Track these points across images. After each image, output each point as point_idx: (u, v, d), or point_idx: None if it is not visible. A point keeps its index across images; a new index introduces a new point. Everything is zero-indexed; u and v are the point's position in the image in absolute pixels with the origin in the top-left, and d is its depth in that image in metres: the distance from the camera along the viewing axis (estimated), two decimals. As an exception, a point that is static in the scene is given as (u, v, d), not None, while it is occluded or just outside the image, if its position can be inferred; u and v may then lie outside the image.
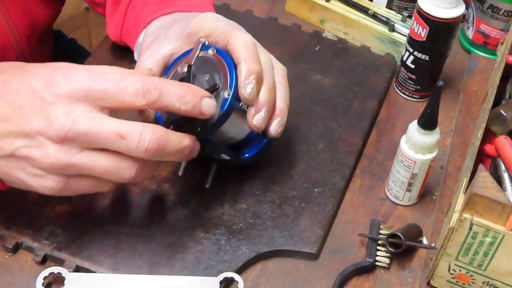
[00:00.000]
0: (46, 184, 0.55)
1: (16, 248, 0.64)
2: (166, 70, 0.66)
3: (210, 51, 0.63)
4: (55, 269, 0.61)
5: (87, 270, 0.63)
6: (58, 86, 0.53)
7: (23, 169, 0.55)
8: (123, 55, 0.86)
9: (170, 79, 0.64)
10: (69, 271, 0.62)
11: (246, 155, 0.68)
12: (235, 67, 0.62)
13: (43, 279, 0.61)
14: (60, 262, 0.63)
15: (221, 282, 0.62)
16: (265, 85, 0.63)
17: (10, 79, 0.55)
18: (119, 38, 0.80)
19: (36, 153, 0.54)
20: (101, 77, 0.54)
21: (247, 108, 0.63)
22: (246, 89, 0.61)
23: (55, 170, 0.54)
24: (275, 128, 0.65)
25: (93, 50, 0.88)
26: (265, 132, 0.65)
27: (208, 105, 0.58)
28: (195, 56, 0.63)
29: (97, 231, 0.65)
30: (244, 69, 0.61)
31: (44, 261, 0.64)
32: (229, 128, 0.63)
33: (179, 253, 0.64)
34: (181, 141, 0.57)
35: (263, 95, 0.63)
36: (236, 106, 0.62)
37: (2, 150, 0.54)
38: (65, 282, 0.61)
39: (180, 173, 0.65)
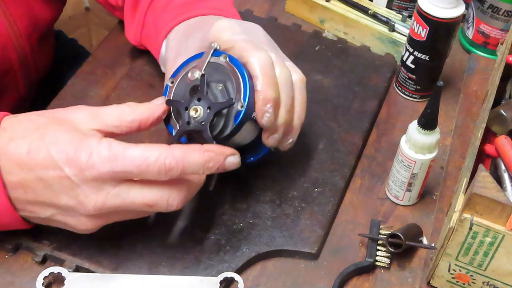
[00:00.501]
0: (87, 230, 0.59)
1: (16, 248, 0.64)
2: (174, 72, 0.64)
3: (222, 58, 0.61)
4: (55, 269, 0.61)
5: (87, 270, 0.63)
6: (83, 171, 0.54)
7: (58, 224, 0.60)
8: (123, 55, 0.86)
9: (178, 83, 0.62)
10: (69, 271, 0.62)
11: (252, 159, 0.67)
12: (249, 77, 0.61)
13: (43, 279, 0.61)
14: (60, 262, 0.63)
15: (221, 282, 0.62)
16: (283, 107, 0.62)
17: (37, 149, 0.55)
18: (139, 42, 0.81)
19: (70, 221, 0.58)
20: (123, 155, 0.54)
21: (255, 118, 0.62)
22: (263, 117, 0.61)
23: (91, 228, 0.59)
24: (287, 146, 0.66)
25: (93, 50, 0.88)
26: None
27: (231, 163, 0.59)
28: (206, 63, 0.61)
29: (97, 231, 0.65)
30: (261, 97, 0.60)
31: (44, 261, 0.64)
32: (238, 136, 0.62)
33: (179, 253, 0.64)
34: (201, 181, 0.59)
35: (281, 118, 0.62)
36: (248, 118, 0.61)
37: (35, 213, 0.58)
38: (65, 282, 0.61)
39: (211, 188, 0.62)
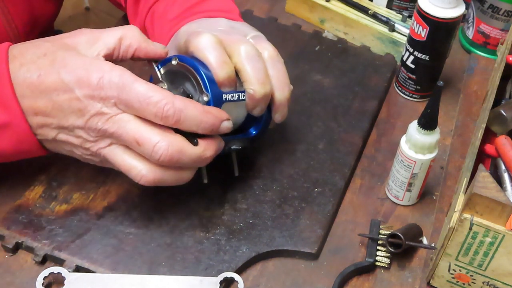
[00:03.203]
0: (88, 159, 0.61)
1: (16, 248, 0.64)
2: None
3: (174, 61, 0.62)
4: (55, 269, 0.61)
5: (87, 270, 0.63)
6: (92, 89, 0.56)
7: (66, 147, 0.61)
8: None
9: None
10: (69, 271, 0.62)
11: (254, 132, 0.68)
12: (205, 66, 0.61)
13: (43, 279, 0.61)
14: (60, 262, 0.63)
15: (221, 282, 0.62)
16: (254, 81, 0.62)
17: (47, 74, 0.57)
18: None
19: (74, 140, 0.59)
20: (130, 86, 0.56)
21: (234, 97, 0.62)
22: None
23: (92, 153, 0.60)
24: (278, 119, 0.67)
25: (93, 50, 0.88)
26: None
27: (225, 128, 0.60)
28: (160, 77, 0.62)
29: (97, 231, 0.65)
30: (216, 77, 0.61)
31: (44, 261, 0.64)
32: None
33: (179, 253, 0.64)
34: (200, 153, 0.59)
35: (256, 92, 0.63)
36: (221, 103, 0.61)
37: (44, 135, 0.60)
38: (65, 282, 0.61)
39: (205, 181, 0.65)
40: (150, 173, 0.58)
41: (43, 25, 0.83)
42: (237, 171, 0.69)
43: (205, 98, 0.60)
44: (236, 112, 0.64)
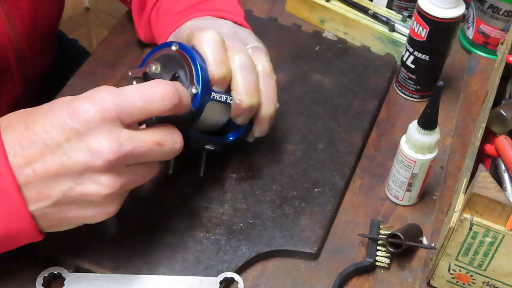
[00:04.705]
0: (109, 210, 0.55)
1: (16, 248, 0.64)
2: (142, 63, 0.64)
3: (173, 47, 0.62)
4: (55, 269, 0.61)
5: (87, 270, 0.63)
6: (86, 112, 0.51)
7: (80, 206, 0.54)
8: (123, 55, 0.86)
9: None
10: (69, 271, 0.62)
11: (231, 138, 0.67)
12: (203, 60, 0.61)
13: (43, 279, 0.61)
14: (60, 262, 0.63)
15: (221, 282, 0.62)
16: (242, 90, 0.62)
17: (34, 122, 0.52)
18: (150, 41, 0.83)
19: (92, 188, 0.52)
20: (122, 91, 0.53)
21: (222, 99, 0.62)
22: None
23: (114, 195, 0.54)
24: (257, 133, 0.67)
25: (93, 50, 0.88)
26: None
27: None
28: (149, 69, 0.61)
29: (97, 231, 0.65)
30: (211, 75, 0.61)
31: (44, 261, 0.64)
32: (207, 119, 0.63)
33: (179, 253, 0.64)
34: (178, 137, 0.58)
35: (243, 102, 0.63)
36: (207, 99, 0.61)
37: (51, 196, 0.52)
38: (65, 282, 0.61)
39: (170, 171, 0.65)
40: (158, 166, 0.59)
41: (45, 28, 0.83)
42: (202, 171, 0.68)
43: (194, 90, 0.60)
44: (219, 112, 0.64)
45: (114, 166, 0.52)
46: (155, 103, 0.53)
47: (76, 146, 0.51)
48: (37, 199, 0.52)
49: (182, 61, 0.61)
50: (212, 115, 0.64)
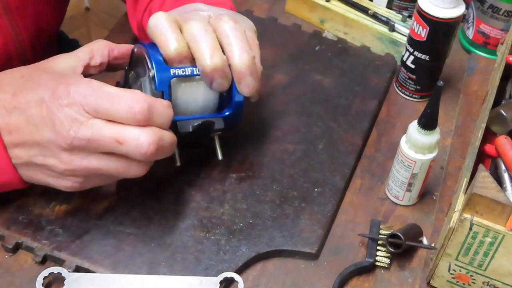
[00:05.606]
0: (65, 184, 0.60)
1: (16, 248, 0.64)
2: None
3: (135, 49, 0.65)
4: (55, 269, 0.61)
5: (87, 270, 0.63)
6: (60, 98, 0.56)
7: (42, 172, 0.60)
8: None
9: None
10: (69, 271, 0.62)
11: (227, 112, 0.66)
12: (154, 46, 0.62)
13: (43, 279, 0.61)
14: (60, 262, 0.63)
15: (221, 282, 0.62)
16: (205, 52, 0.61)
17: (22, 90, 0.58)
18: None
19: (51, 161, 0.58)
20: (98, 90, 0.56)
21: (186, 72, 0.62)
22: (173, 65, 0.61)
23: (71, 173, 0.59)
24: (244, 91, 0.64)
25: (93, 50, 0.88)
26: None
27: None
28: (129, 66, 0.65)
29: (97, 231, 0.65)
30: (163, 52, 0.61)
31: (44, 261, 0.64)
32: (185, 99, 0.63)
33: (179, 253, 0.64)
34: (172, 136, 0.59)
35: (209, 62, 0.61)
36: (166, 77, 0.61)
37: (20, 158, 0.59)
38: (65, 282, 0.61)
39: (178, 163, 0.64)
40: (145, 166, 0.59)
41: (49, 34, 0.84)
42: (220, 154, 0.67)
43: (151, 74, 0.60)
44: (197, 89, 0.63)
45: (74, 148, 0.56)
46: (120, 111, 0.56)
47: (45, 122, 0.56)
48: (13, 157, 0.60)
49: (142, 57, 0.63)
50: (189, 94, 0.63)
